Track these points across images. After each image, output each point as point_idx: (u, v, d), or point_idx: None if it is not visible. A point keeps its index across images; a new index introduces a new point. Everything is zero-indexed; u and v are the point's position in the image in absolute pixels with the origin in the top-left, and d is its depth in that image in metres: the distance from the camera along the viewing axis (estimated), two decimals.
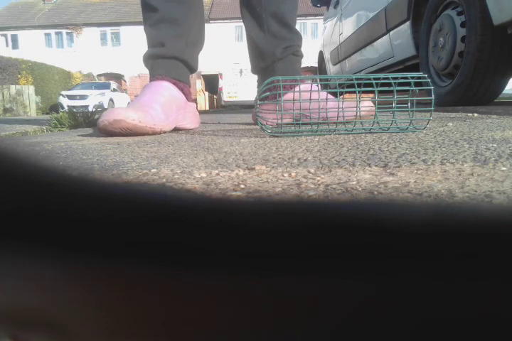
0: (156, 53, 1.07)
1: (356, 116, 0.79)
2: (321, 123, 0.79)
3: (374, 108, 0.98)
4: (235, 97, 12.41)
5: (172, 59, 1.07)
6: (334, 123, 0.79)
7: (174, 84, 1.06)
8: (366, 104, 0.96)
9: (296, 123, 0.80)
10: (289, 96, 0.87)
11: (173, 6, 1.06)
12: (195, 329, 0.08)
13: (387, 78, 0.73)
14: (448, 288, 0.06)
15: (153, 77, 1.07)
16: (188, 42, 1.09)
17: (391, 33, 2.30)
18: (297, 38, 1.18)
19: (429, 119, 0.75)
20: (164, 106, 0.99)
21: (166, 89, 1.04)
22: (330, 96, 0.90)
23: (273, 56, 1.14)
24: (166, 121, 0.99)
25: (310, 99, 0.79)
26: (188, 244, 0.07)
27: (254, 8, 1.13)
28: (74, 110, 1.93)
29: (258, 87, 1.22)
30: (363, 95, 0.80)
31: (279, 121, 0.79)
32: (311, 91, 0.77)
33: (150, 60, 1.09)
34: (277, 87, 0.78)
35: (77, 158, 0.57)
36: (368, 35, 2.72)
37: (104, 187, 0.08)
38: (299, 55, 1.18)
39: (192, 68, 1.13)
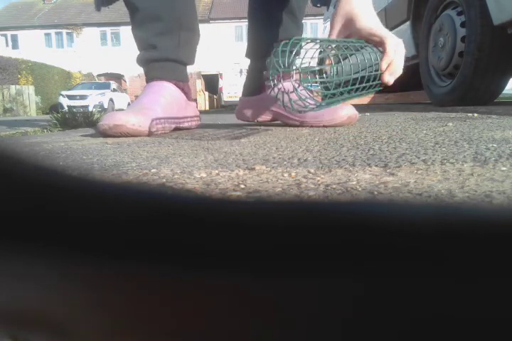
0: (148, 57, 1.03)
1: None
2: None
3: (356, 115, 0.97)
4: (235, 97, 12.39)
5: (166, 61, 1.03)
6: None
7: (174, 84, 1.05)
8: (345, 110, 0.95)
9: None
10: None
11: (153, 0, 0.99)
12: (196, 330, 0.08)
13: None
14: (448, 288, 0.06)
15: (151, 79, 1.04)
16: (180, 40, 1.04)
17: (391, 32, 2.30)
18: (298, 30, 1.12)
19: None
20: (165, 107, 0.99)
21: (167, 89, 1.03)
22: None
23: (263, 51, 1.09)
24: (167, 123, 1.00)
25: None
26: (188, 243, 0.07)
27: None
28: (74, 110, 1.94)
29: (248, 71, 1.19)
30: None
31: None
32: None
33: (143, 63, 1.05)
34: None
35: (77, 158, 0.57)
36: None
37: (104, 187, 0.08)
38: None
39: (189, 63, 1.10)
